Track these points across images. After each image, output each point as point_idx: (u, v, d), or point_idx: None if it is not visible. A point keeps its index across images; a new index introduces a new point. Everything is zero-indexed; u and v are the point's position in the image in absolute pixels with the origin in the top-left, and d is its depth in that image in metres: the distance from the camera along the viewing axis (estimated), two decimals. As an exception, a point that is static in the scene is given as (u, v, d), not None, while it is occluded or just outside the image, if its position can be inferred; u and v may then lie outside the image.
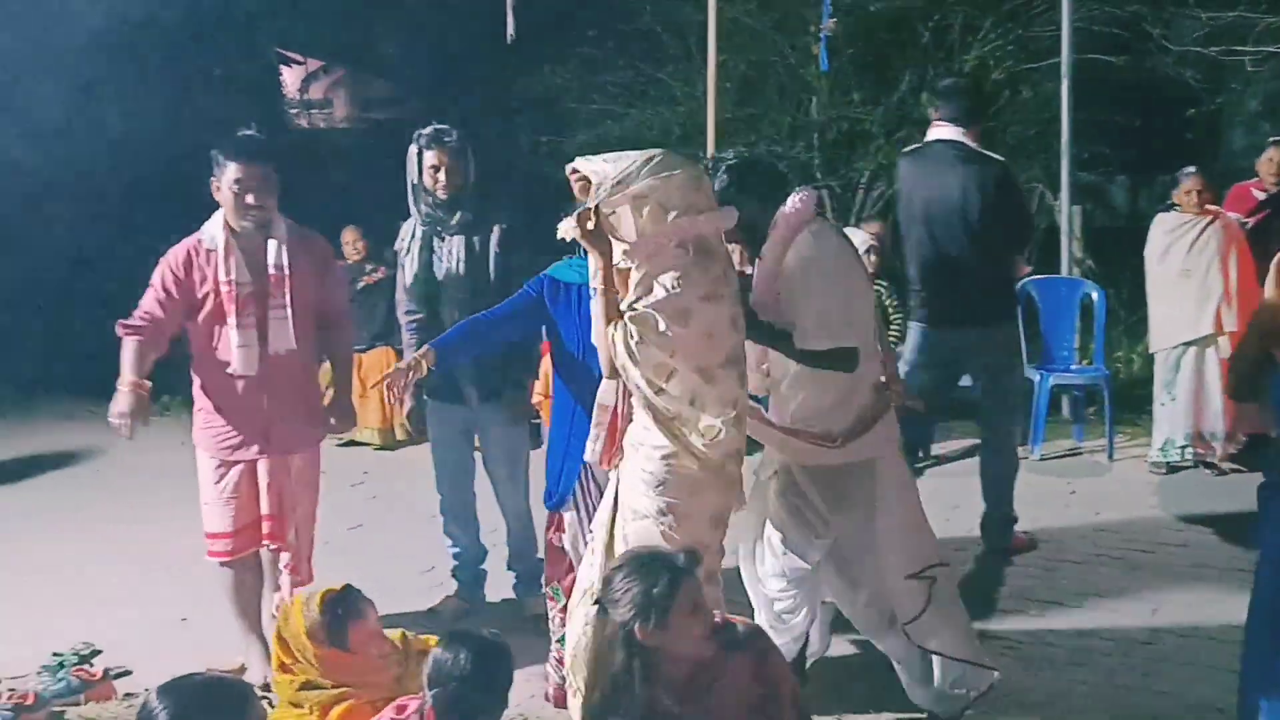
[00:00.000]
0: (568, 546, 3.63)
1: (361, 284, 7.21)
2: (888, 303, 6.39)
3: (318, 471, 4.31)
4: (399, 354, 6.99)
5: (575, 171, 3.09)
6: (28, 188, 8.34)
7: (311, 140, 15.11)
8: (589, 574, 3.15)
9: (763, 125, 9.19)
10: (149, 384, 3.90)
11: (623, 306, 2.99)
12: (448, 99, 11.48)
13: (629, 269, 2.99)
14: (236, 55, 11.92)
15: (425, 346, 3.67)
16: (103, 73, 9.02)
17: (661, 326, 2.93)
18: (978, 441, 6.24)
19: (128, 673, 4.15)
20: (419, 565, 5.03)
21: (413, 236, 4.47)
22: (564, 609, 3.53)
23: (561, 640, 3.54)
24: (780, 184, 3.55)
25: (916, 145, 5.15)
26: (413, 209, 4.45)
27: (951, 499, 5.61)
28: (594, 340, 3.11)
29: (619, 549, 3.03)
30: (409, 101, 15.35)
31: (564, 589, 3.61)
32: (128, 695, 3.99)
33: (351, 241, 7.37)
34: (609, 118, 9.65)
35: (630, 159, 3.01)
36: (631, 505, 3.05)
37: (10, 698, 3.79)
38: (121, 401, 3.84)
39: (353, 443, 7.04)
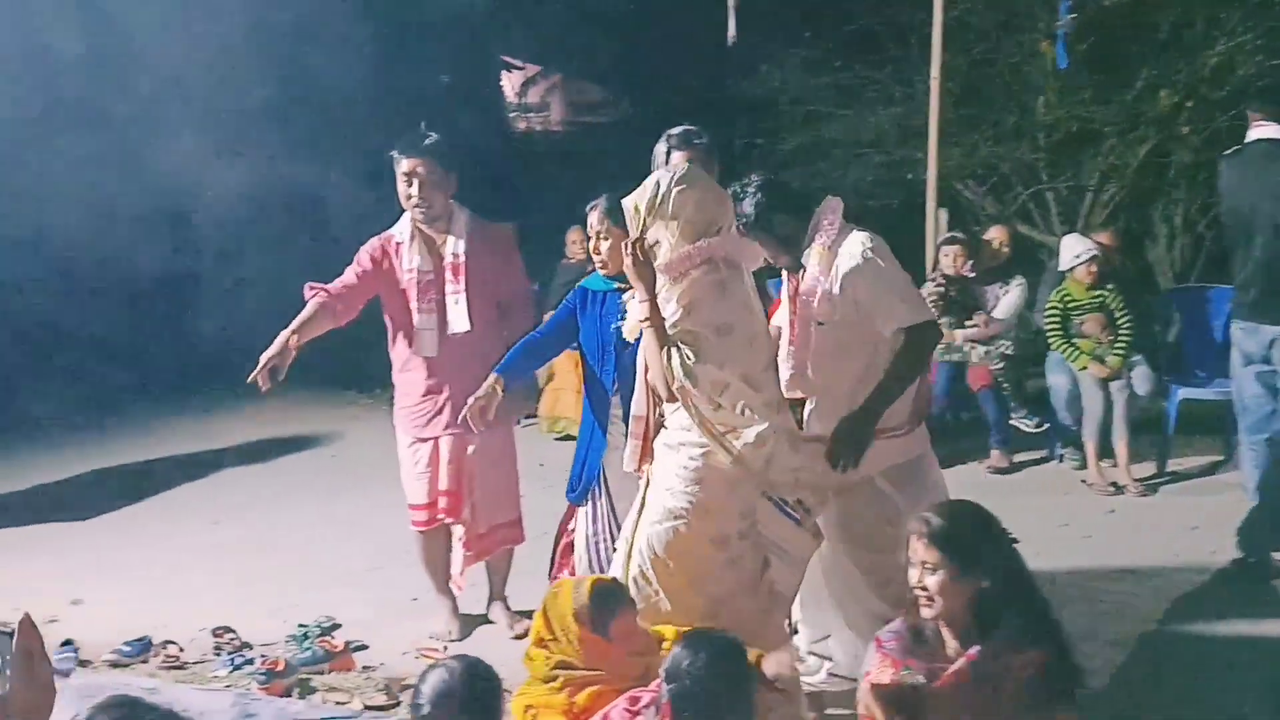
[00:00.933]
0: (578, 540, 3.83)
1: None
2: (1113, 305, 6.13)
3: (506, 451, 4.50)
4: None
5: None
6: (266, 194, 8.87)
7: (530, 143, 15.55)
8: (617, 561, 3.29)
9: (984, 125, 8.92)
10: (296, 346, 4.12)
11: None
12: (661, 102, 11.61)
13: (661, 289, 3.15)
14: (463, 62, 12.39)
15: (494, 374, 3.88)
16: (333, 77, 9.49)
17: (712, 341, 3.07)
18: (1219, 458, 5.93)
19: (364, 646, 4.40)
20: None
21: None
22: None
23: None
24: (806, 198, 3.68)
25: (1237, 147, 4.97)
26: None
27: (1189, 518, 5.33)
28: (648, 366, 3.20)
29: (636, 552, 3.16)
30: (621, 104, 15.63)
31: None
32: (365, 668, 4.22)
33: (576, 241, 7.56)
34: (823, 119, 9.57)
35: (654, 179, 3.18)
36: (663, 505, 3.15)
37: (264, 663, 4.08)
38: (270, 349, 4.08)
39: (569, 437, 7.22)
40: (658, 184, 3.14)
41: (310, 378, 4.39)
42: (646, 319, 3.12)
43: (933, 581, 2.69)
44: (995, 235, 6.80)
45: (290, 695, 3.95)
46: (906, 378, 3.43)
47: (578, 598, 2.77)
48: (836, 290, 3.41)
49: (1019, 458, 6.45)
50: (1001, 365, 6.42)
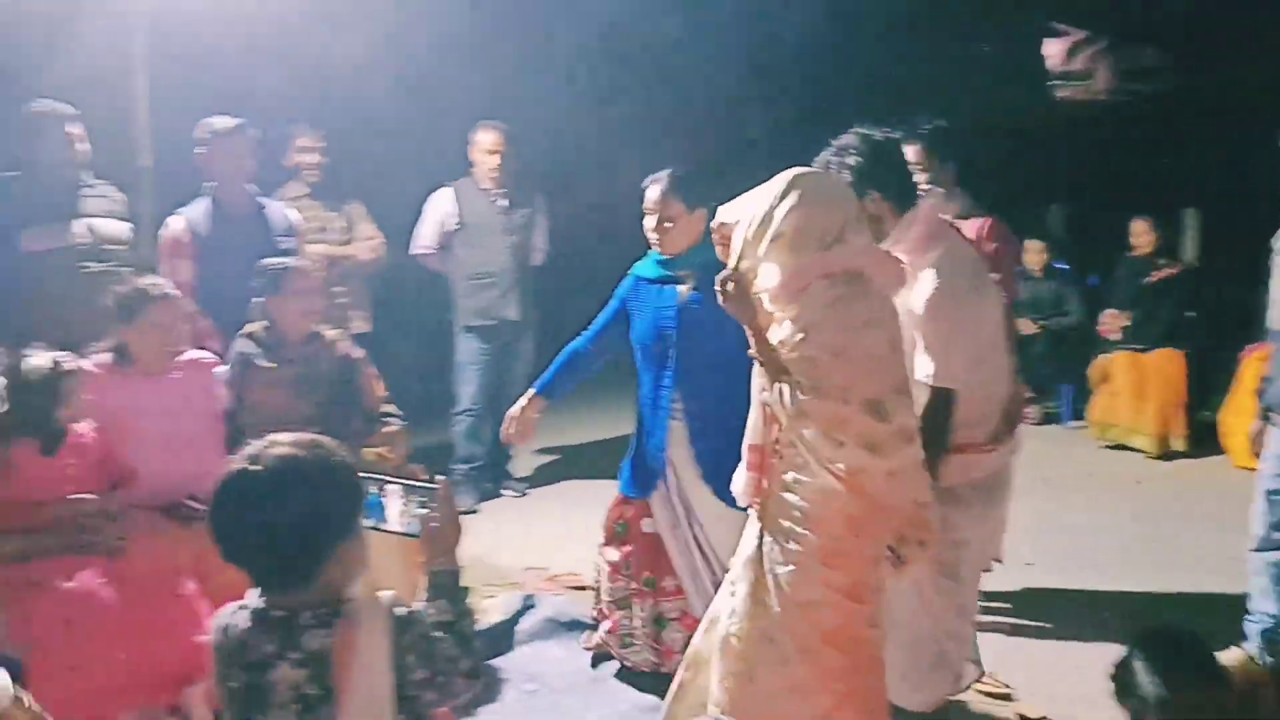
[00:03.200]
0: (663, 531, 3.68)
1: (1150, 279, 6.68)
2: None
3: None
4: (1187, 357, 6.44)
5: (719, 226, 2.93)
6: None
7: (1072, 115, 14.51)
8: (724, 605, 2.95)
9: None
10: None
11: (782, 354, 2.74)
12: (1230, 69, 10.27)
13: (771, 312, 2.78)
14: (1007, 31, 11.80)
15: (531, 392, 3.82)
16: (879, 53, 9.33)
17: (829, 366, 2.66)
18: None
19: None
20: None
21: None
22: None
23: (622, 603, 3.79)
24: (908, 183, 3.20)
25: None
26: None
27: None
28: (763, 401, 2.82)
29: (772, 593, 2.79)
30: (1177, 72, 14.12)
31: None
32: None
33: (1140, 233, 6.85)
34: None
35: (758, 199, 2.78)
36: (781, 549, 2.77)
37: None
38: None
39: (1123, 446, 6.60)
40: (757, 204, 2.77)
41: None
42: (755, 354, 2.77)
43: None
44: None
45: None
46: (930, 443, 2.92)
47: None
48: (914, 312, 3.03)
49: None
50: None
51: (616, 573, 3.84)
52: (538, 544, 5.27)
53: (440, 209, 5.76)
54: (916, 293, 3.05)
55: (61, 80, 4.44)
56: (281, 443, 1.92)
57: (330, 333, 4.07)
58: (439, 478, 2.12)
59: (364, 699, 1.83)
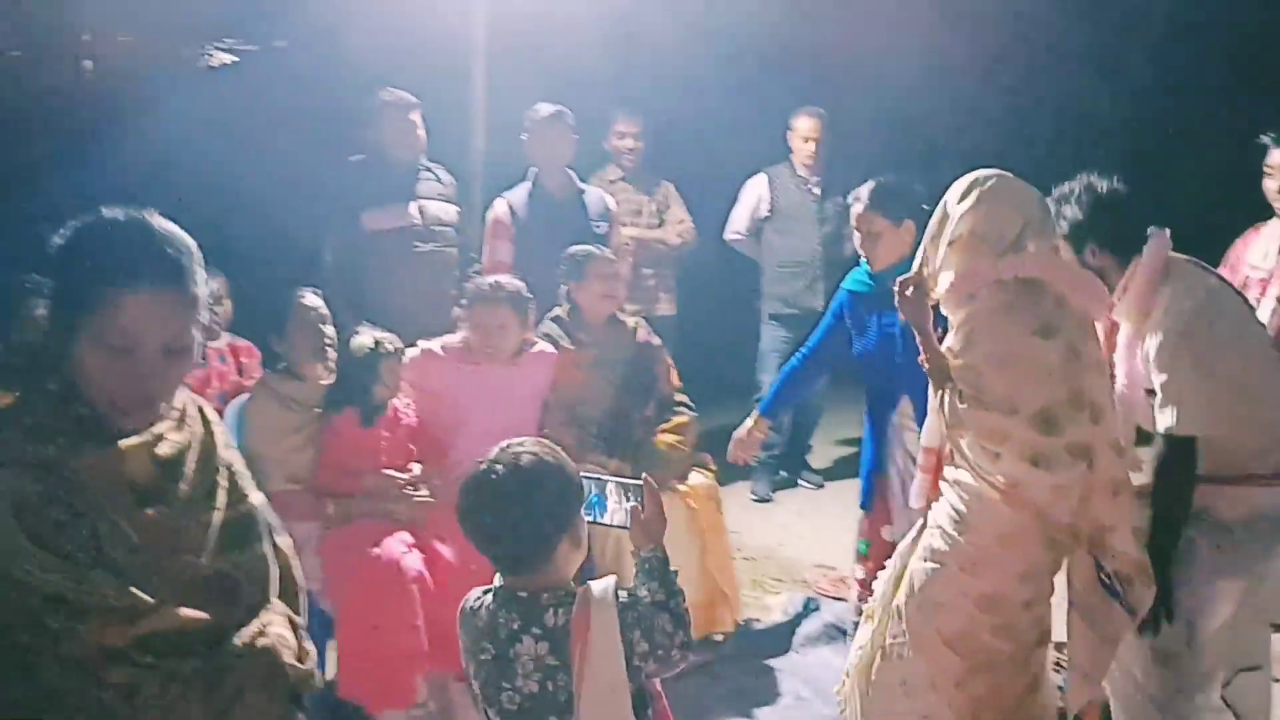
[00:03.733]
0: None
1: None
2: None
3: None
4: None
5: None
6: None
7: None
8: (879, 590, 2.95)
9: None
10: None
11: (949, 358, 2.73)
12: None
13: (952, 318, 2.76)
14: None
15: (756, 413, 3.86)
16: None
17: (990, 376, 2.63)
18: None
19: None
20: None
21: None
22: None
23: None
24: (1134, 233, 2.84)
25: None
26: None
27: None
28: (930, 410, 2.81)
29: (903, 587, 2.82)
30: None
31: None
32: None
33: None
34: None
35: (944, 202, 2.74)
36: (930, 544, 2.78)
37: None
38: None
39: None
40: (942, 207, 2.76)
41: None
42: (923, 359, 2.78)
43: None
44: None
45: None
46: (1167, 501, 2.72)
47: None
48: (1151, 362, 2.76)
49: None
50: None
51: (864, 589, 3.71)
52: (830, 540, 5.16)
53: (754, 194, 5.73)
54: (1149, 345, 2.79)
55: (405, 69, 4.75)
56: (514, 448, 2.12)
57: (630, 319, 4.14)
58: (644, 475, 2.30)
59: (599, 669, 2.01)
